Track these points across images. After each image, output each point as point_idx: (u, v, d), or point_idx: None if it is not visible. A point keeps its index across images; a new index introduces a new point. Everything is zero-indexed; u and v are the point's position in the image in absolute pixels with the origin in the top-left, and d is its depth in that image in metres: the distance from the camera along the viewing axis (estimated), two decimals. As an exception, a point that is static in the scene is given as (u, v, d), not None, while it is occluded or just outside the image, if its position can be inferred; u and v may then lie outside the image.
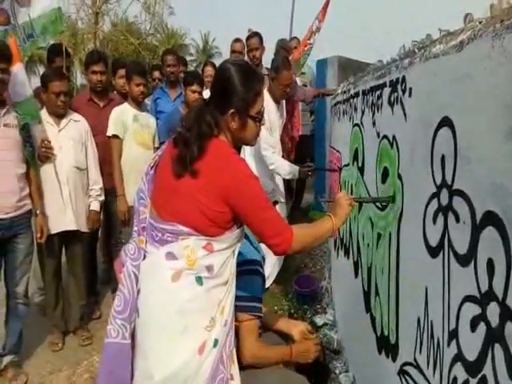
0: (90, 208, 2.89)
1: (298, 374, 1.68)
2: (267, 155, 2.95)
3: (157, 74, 4.31)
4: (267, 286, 2.96)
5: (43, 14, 2.74)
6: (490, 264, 0.84)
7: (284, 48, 4.09)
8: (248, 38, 3.87)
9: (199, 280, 1.34)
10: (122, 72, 3.36)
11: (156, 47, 20.65)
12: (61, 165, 2.65)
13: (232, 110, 1.35)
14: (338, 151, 2.97)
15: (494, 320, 0.82)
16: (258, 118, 1.41)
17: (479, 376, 0.88)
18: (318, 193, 4.61)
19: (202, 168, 1.30)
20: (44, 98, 2.67)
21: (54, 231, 2.66)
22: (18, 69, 2.45)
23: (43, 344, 2.86)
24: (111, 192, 3.04)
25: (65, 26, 3.92)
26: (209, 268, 1.34)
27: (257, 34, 3.86)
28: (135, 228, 1.50)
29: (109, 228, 3.45)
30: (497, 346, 0.81)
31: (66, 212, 2.68)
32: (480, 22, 0.95)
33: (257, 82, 1.41)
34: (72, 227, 2.72)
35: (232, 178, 1.30)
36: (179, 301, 1.33)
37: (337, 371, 2.27)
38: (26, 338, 2.64)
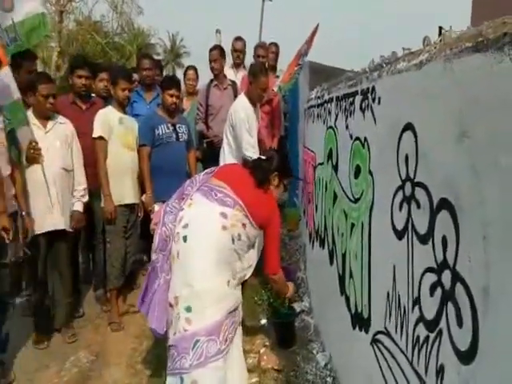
0: (74, 208, 2.94)
1: None
2: (249, 155, 3.08)
3: (135, 76, 4.38)
4: (246, 278, 3.12)
5: (27, 18, 2.79)
6: (444, 240, 1.07)
7: (258, 55, 4.28)
8: (210, 50, 4.04)
9: (232, 240, 1.98)
10: (102, 75, 3.44)
11: (122, 46, 20.34)
12: (48, 166, 2.70)
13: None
14: (312, 151, 3.19)
15: (447, 284, 1.05)
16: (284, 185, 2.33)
17: (436, 330, 1.10)
18: (292, 189, 4.83)
19: (269, 195, 2.18)
20: (32, 100, 2.72)
21: (41, 231, 2.71)
22: (4, 72, 2.50)
23: (28, 342, 2.88)
24: (94, 193, 3.13)
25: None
26: (238, 236, 2.01)
27: (218, 46, 4.09)
28: (177, 196, 2.21)
29: (90, 228, 3.51)
30: (449, 305, 1.04)
31: (53, 212, 2.74)
32: (435, 47, 1.17)
33: None
34: (59, 227, 2.78)
35: (273, 214, 2.16)
36: (222, 243, 1.95)
37: (314, 351, 2.49)
38: (10, 337, 2.65)
